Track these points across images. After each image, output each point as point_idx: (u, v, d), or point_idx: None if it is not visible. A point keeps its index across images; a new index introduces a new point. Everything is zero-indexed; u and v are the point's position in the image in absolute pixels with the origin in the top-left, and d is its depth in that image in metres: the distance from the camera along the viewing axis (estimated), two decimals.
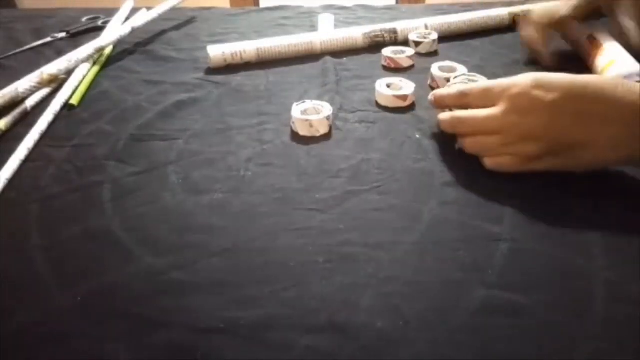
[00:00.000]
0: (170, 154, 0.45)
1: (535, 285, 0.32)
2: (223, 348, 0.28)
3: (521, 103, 0.38)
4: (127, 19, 0.75)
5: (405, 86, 0.53)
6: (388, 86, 0.53)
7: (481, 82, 0.45)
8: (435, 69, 0.56)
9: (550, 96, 0.36)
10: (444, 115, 0.44)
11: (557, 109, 0.36)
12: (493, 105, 0.40)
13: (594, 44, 0.54)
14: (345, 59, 0.63)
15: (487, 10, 0.70)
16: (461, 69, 0.56)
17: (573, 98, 0.36)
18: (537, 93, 0.37)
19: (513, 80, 0.39)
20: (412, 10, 0.81)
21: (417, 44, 0.64)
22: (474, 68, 0.59)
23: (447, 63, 0.56)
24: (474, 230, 0.36)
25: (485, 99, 0.41)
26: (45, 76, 0.57)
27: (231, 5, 1.82)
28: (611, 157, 0.37)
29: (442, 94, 0.45)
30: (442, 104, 0.45)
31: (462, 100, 0.43)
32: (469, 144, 0.42)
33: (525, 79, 0.38)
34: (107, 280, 0.33)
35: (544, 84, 0.37)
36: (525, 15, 0.60)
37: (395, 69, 0.60)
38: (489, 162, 0.40)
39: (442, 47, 0.65)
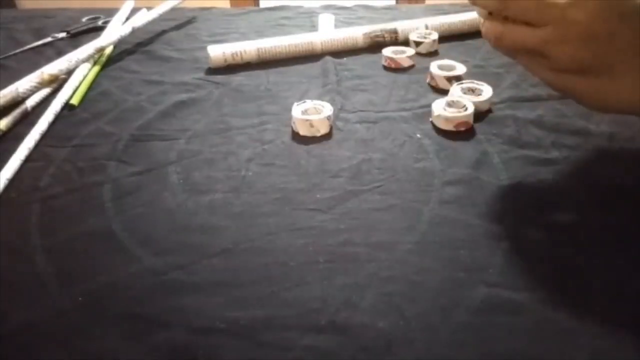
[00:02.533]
0: (170, 154, 0.45)
1: (536, 284, 0.31)
2: (223, 348, 0.28)
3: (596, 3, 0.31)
4: (127, 19, 0.75)
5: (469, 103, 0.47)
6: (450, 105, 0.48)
7: None
8: (434, 67, 0.55)
9: (631, 1, 0.31)
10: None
11: (634, 18, 0.31)
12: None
13: None
14: (345, 59, 0.63)
15: None
16: (460, 67, 0.55)
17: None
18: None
19: None
20: (412, 10, 0.81)
21: (417, 44, 0.64)
22: (474, 68, 0.59)
23: (446, 61, 0.56)
24: (474, 230, 0.36)
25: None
26: (46, 76, 0.57)
27: (231, 5, 1.82)
28: None
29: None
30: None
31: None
32: (509, 31, 0.35)
33: None
34: (107, 280, 0.33)
35: None
36: None
37: (396, 69, 0.60)
38: (522, 59, 0.35)
39: (442, 47, 0.65)
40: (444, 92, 0.52)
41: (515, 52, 0.37)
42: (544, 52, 0.34)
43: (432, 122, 0.48)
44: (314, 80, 0.58)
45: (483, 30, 0.37)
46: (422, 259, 0.34)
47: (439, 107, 0.47)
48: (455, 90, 0.50)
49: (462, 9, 0.74)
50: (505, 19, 0.35)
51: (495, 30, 0.36)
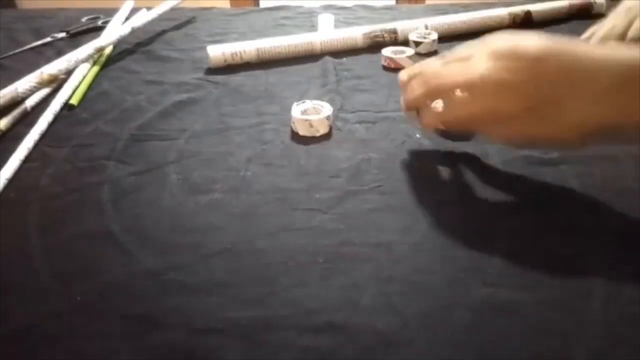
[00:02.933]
0: (170, 154, 0.45)
1: (535, 285, 0.31)
2: (223, 348, 0.28)
3: (500, 56, 0.34)
4: (127, 19, 0.75)
5: None
6: None
7: None
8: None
9: (531, 50, 0.34)
10: (414, 75, 0.39)
11: (537, 62, 0.34)
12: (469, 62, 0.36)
13: None
14: (345, 59, 0.63)
15: (487, 10, 0.70)
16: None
17: (554, 53, 0.34)
18: (517, 47, 0.34)
19: (490, 37, 0.36)
20: (412, 10, 0.81)
21: (417, 44, 0.64)
22: None
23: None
24: (473, 230, 0.36)
25: (462, 58, 0.37)
26: (45, 76, 0.57)
27: (231, 5, 1.82)
28: (596, 115, 0.34)
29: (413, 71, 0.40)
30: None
31: (441, 63, 0.39)
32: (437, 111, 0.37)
33: (503, 36, 0.35)
34: (107, 280, 0.33)
35: (522, 40, 0.34)
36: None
37: (395, 69, 0.60)
38: (450, 113, 0.37)
39: (442, 47, 0.65)
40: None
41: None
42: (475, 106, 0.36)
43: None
44: (313, 81, 0.58)
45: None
46: (422, 259, 0.34)
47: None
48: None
49: (462, 9, 0.74)
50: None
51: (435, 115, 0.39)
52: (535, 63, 0.34)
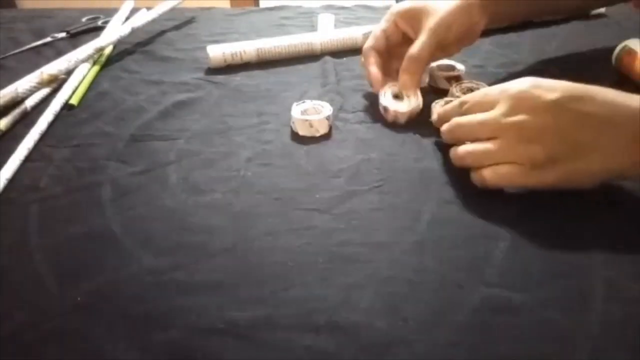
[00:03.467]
0: (170, 154, 0.45)
1: (535, 284, 0.32)
2: (223, 348, 0.28)
3: (520, 102, 0.36)
4: (127, 19, 0.75)
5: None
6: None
7: (481, 89, 0.43)
8: (434, 67, 0.55)
9: (551, 95, 0.36)
10: (444, 127, 0.42)
11: (558, 107, 0.35)
12: (490, 108, 0.38)
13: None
14: (345, 59, 0.63)
15: None
16: (459, 67, 0.55)
17: (575, 98, 0.35)
18: (538, 92, 0.36)
19: (511, 82, 0.38)
20: None
21: None
22: (474, 68, 0.59)
23: (446, 62, 0.56)
24: (473, 230, 0.36)
25: (483, 103, 0.39)
26: (45, 76, 0.57)
27: (231, 5, 1.82)
28: (621, 162, 0.35)
29: (446, 110, 0.43)
30: (446, 120, 0.42)
31: (461, 110, 0.41)
32: (461, 153, 0.39)
33: (523, 81, 0.37)
34: (107, 280, 0.33)
35: (543, 85, 0.36)
36: None
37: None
38: (487, 174, 0.37)
39: None
40: (443, 92, 0.52)
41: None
42: (503, 161, 0.37)
43: (432, 122, 0.48)
44: (313, 81, 0.58)
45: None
46: (422, 259, 0.34)
47: (438, 107, 0.47)
48: (454, 91, 0.50)
49: None
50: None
51: (458, 158, 0.40)
52: (557, 111, 0.35)
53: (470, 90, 0.50)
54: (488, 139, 0.38)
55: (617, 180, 0.38)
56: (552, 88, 0.36)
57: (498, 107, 0.38)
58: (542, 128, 0.35)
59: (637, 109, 0.34)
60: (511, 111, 0.37)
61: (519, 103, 0.36)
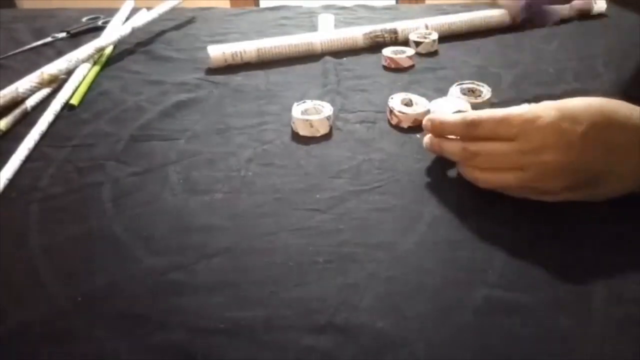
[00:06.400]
0: (170, 154, 0.45)
1: (536, 285, 0.31)
2: (223, 348, 0.28)
3: (545, 138, 0.34)
4: (127, 19, 0.75)
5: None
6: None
7: (493, 111, 0.37)
8: (456, 91, 0.50)
9: (579, 128, 0.33)
10: (452, 147, 0.39)
11: (584, 143, 0.34)
12: (510, 137, 0.36)
13: None
14: (345, 59, 0.63)
15: (487, 10, 0.70)
16: (486, 91, 0.50)
17: (601, 129, 0.34)
18: (566, 126, 0.34)
19: (534, 111, 0.35)
20: (412, 10, 0.81)
21: (417, 44, 0.64)
22: (475, 68, 0.59)
23: (468, 84, 0.51)
24: (474, 230, 0.36)
25: (501, 130, 0.36)
26: (46, 76, 0.57)
27: (231, 5, 1.82)
28: (634, 185, 0.35)
29: (443, 121, 0.39)
30: (442, 132, 0.40)
31: (472, 131, 0.38)
32: (485, 179, 0.38)
33: (549, 110, 0.35)
34: (107, 280, 0.33)
35: (570, 116, 0.34)
36: None
37: (396, 69, 0.60)
38: (488, 182, 0.38)
39: (442, 47, 0.65)
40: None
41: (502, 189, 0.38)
42: (525, 189, 0.37)
43: None
44: (313, 81, 0.58)
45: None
46: (422, 260, 0.34)
47: (438, 107, 0.47)
48: (454, 91, 0.50)
49: (462, 9, 0.74)
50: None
51: (473, 177, 0.39)
52: (583, 147, 0.34)
53: (471, 90, 0.50)
54: (509, 170, 0.36)
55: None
56: (579, 119, 0.34)
57: (520, 140, 0.35)
58: (566, 165, 0.34)
59: None
60: (535, 147, 0.35)
61: (543, 138, 0.34)
